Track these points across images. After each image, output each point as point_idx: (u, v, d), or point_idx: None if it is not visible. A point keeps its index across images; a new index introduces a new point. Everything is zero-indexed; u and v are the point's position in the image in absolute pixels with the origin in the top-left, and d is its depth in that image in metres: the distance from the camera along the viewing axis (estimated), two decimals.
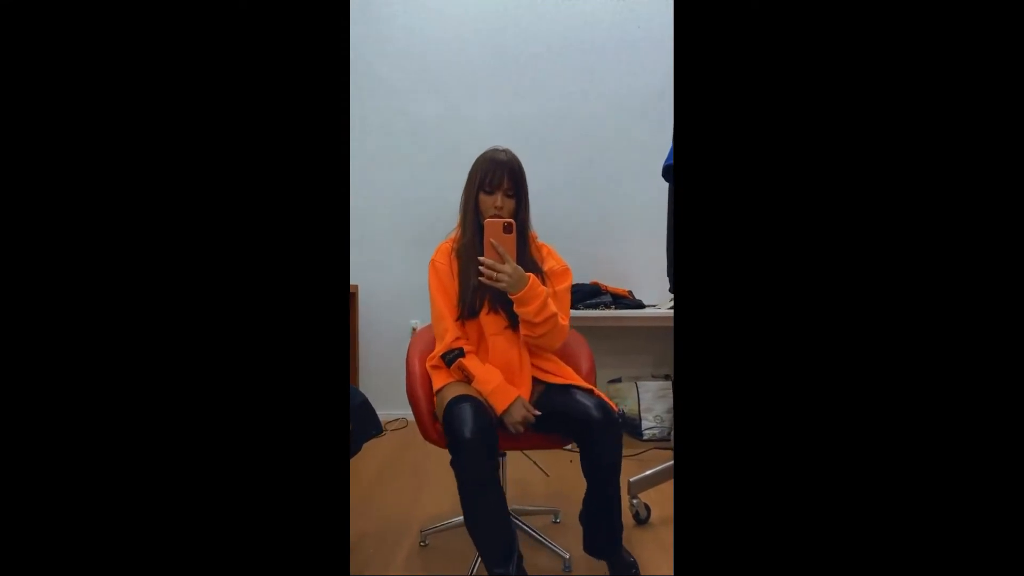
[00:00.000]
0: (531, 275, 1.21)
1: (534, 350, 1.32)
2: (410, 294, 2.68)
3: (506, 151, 1.30)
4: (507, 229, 1.19)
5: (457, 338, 1.27)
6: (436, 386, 1.28)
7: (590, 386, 1.28)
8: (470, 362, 1.25)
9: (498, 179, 1.26)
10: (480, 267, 1.18)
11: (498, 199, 1.26)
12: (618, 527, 1.22)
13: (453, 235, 1.36)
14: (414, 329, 2.74)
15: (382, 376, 2.65)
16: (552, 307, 1.23)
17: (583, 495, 1.24)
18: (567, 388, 1.26)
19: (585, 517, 1.27)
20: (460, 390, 1.21)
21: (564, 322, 1.28)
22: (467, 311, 1.27)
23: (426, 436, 1.31)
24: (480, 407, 1.15)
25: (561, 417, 1.22)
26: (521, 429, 1.20)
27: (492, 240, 1.18)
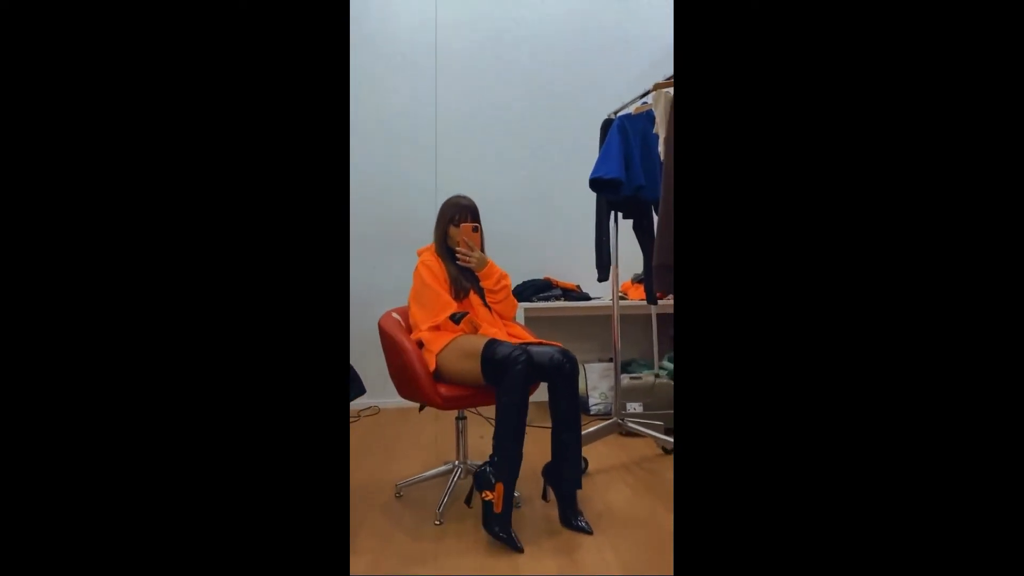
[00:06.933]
0: (489, 259, 1.78)
1: (504, 320, 1.81)
2: (378, 290, 2.95)
3: (467, 197, 1.81)
4: (475, 230, 1.79)
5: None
6: (440, 344, 1.61)
7: (554, 343, 1.68)
8: (474, 316, 1.71)
9: (462, 217, 1.78)
10: (457, 253, 1.76)
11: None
12: (579, 466, 1.58)
13: (429, 246, 1.84)
14: None
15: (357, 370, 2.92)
16: (506, 280, 1.81)
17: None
18: (537, 344, 1.67)
19: (554, 448, 1.59)
20: (478, 337, 1.61)
21: (512, 299, 1.83)
22: (462, 293, 1.74)
23: (429, 400, 1.59)
24: (509, 343, 1.54)
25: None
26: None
27: (465, 237, 1.75)
